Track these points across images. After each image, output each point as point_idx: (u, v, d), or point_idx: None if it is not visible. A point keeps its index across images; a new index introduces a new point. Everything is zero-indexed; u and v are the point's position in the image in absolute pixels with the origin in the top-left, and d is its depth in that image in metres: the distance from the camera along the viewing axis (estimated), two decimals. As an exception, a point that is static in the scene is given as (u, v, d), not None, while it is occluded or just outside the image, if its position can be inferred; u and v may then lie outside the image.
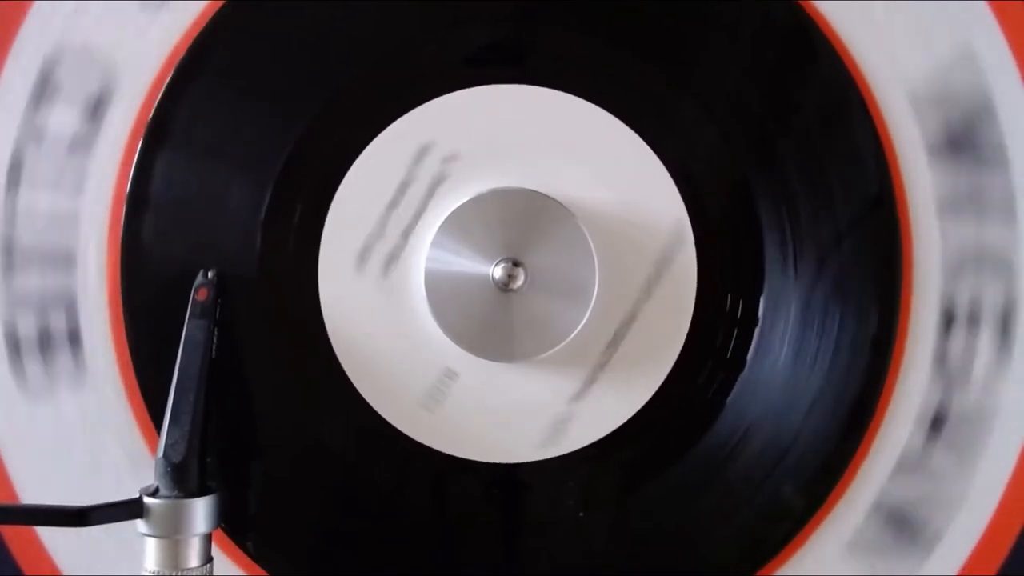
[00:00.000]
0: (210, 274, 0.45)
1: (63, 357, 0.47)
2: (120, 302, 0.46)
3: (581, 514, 0.46)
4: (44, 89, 0.46)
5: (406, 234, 0.46)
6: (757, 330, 0.46)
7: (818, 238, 0.46)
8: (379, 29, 0.46)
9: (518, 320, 0.45)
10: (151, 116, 0.46)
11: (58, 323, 0.47)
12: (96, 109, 0.47)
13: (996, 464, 0.47)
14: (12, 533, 0.47)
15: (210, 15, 0.46)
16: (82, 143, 0.47)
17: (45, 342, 0.47)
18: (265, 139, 0.46)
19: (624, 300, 0.46)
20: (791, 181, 0.46)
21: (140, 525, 0.42)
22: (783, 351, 0.46)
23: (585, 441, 0.46)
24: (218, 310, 0.45)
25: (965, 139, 0.46)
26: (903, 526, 0.47)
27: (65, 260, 0.47)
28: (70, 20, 0.46)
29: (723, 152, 0.46)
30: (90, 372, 0.47)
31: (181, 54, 0.46)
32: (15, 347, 0.47)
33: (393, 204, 0.46)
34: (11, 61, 0.47)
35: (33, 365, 0.47)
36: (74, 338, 0.47)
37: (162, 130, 0.46)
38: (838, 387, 0.46)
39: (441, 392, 0.46)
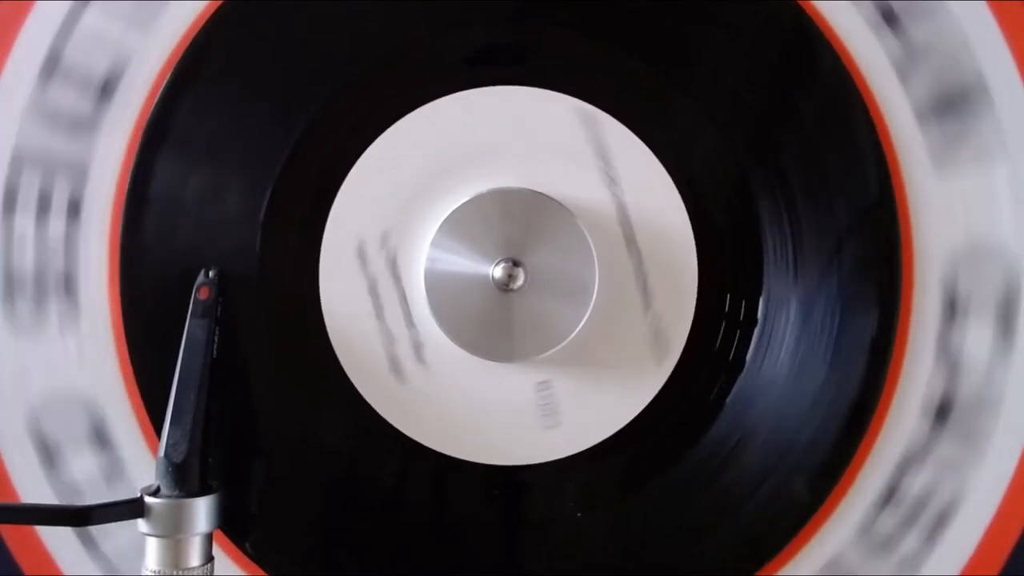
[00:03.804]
0: (211, 273, 0.45)
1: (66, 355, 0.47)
2: (120, 302, 0.46)
3: (579, 514, 0.46)
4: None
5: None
6: (757, 331, 0.46)
7: (818, 238, 0.45)
8: (379, 29, 0.46)
9: (518, 320, 0.45)
10: (151, 116, 0.46)
11: (60, 320, 0.47)
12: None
13: (998, 462, 0.47)
14: (12, 533, 0.47)
15: (210, 15, 0.46)
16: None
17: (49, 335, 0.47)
18: (265, 139, 0.46)
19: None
20: (791, 181, 0.46)
21: (141, 524, 0.42)
22: (783, 352, 0.46)
23: (586, 442, 0.46)
24: (219, 309, 0.45)
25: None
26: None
27: (67, 261, 0.47)
28: (69, 23, 0.47)
29: (724, 153, 0.46)
30: (91, 371, 0.47)
31: (181, 54, 0.46)
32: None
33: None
34: (11, 63, 0.47)
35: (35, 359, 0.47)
36: (76, 337, 0.47)
37: (162, 130, 0.46)
38: (839, 387, 0.46)
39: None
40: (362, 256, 0.46)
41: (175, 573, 0.42)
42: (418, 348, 0.46)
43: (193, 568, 0.42)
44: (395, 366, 0.46)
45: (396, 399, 0.46)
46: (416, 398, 0.46)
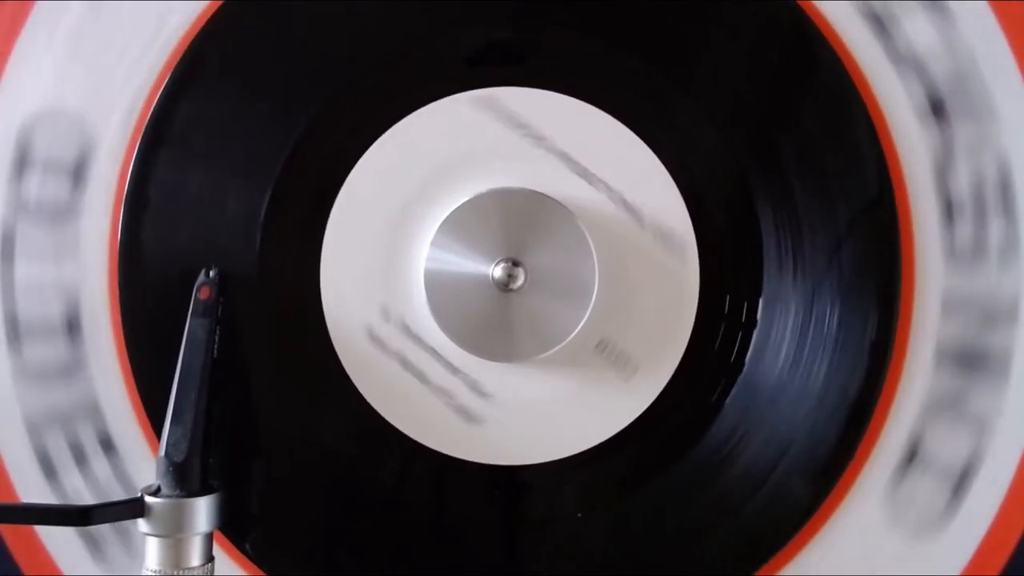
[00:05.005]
0: (212, 272, 0.45)
1: (65, 354, 0.47)
2: (120, 301, 0.46)
3: (579, 515, 0.46)
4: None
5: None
6: (756, 332, 0.46)
7: (818, 239, 0.45)
8: (379, 29, 0.46)
9: (518, 320, 0.45)
10: (151, 116, 0.46)
11: (60, 320, 0.47)
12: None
13: (999, 462, 0.46)
14: (12, 533, 0.47)
15: (210, 15, 0.46)
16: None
17: (48, 335, 0.47)
18: (265, 139, 0.46)
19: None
20: (791, 181, 0.46)
21: (141, 524, 0.42)
22: (783, 352, 0.46)
23: (586, 442, 0.46)
24: (220, 309, 0.45)
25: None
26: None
27: (69, 258, 0.47)
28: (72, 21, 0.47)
29: (724, 153, 0.46)
30: (91, 371, 0.47)
31: (181, 54, 0.46)
32: (15, 337, 0.47)
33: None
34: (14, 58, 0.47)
35: (33, 356, 0.47)
36: (75, 336, 0.47)
37: (162, 130, 0.46)
38: (839, 387, 0.46)
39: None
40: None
41: (176, 573, 0.42)
42: (418, 347, 0.46)
43: (194, 568, 0.42)
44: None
45: (396, 399, 0.46)
46: (416, 398, 0.46)
